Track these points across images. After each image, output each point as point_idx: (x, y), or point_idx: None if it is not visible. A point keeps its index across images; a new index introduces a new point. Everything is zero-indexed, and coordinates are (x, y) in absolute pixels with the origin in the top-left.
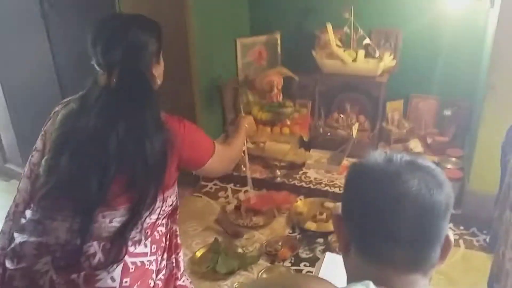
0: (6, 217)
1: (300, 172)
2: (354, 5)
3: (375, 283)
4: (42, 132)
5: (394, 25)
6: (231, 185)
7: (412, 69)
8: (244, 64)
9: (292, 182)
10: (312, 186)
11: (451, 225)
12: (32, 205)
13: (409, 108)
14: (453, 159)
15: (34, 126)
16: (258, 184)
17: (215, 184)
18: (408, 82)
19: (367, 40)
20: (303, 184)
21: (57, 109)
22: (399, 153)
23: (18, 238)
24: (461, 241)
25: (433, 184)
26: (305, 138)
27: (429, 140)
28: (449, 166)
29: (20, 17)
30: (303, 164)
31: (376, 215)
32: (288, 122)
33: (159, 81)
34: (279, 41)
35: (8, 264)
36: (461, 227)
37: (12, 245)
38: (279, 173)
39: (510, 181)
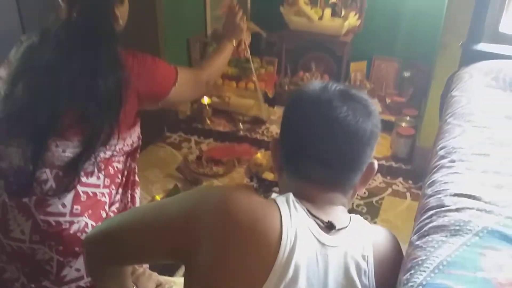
0: None
1: (263, 127)
2: None
3: (296, 196)
4: (6, 60)
5: None
6: (195, 137)
7: (376, 30)
8: (213, 18)
9: (254, 136)
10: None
11: (400, 179)
12: None
13: (372, 69)
14: (408, 118)
15: None
16: (221, 136)
17: (179, 136)
18: (372, 43)
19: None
20: (265, 138)
21: (22, 38)
22: (334, 83)
23: None
24: (408, 194)
25: (361, 112)
26: (270, 95)
27: (388, 101)
28: (403, 124)
29: None
30: (266, 120)
31: (305, 136)
32: (254, 78)
33: (121, 22)
34: None
35: None
36: (410, 181)
37: None
38: (242, 127)
39: (440, 124)
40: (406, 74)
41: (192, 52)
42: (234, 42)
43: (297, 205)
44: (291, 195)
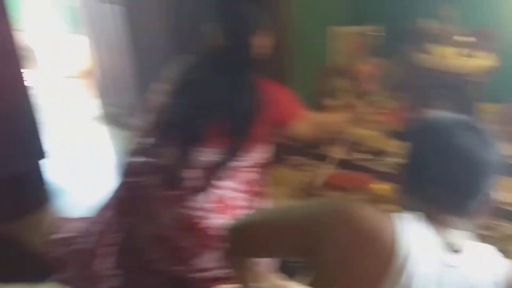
0: (132, 141)
1: (385, 159)
2: (455, 2)
3: (415, 215)
4: (165, 77)
5: (495, 24)
6: (315, 161)
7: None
8: (338, 52)
9: (375, 167)
10: (391, 172)
11: None
12: (150, 134)
13: (505, 112)
14: None
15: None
16: (341, 163)
17: (299, 159)
18: (507, 85)
19: (464, 38)
20: (385, 169)
21: (178, 60)
22: (459, 114)
23: (137, 158)
24: None
25: (482, 143)
26: (395, 128)
27: None
28: None
29: None
30: (385, 152)
31: (432, 163)
32: (380, 111)
33: (263, 51)
34: (375, 33)
35: (127, 177)
36: None
37: (128, 161)
38: (363, 156)
39: None
40: None
41: (317, 84)
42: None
43: (415, 221)
44: (415, 214)
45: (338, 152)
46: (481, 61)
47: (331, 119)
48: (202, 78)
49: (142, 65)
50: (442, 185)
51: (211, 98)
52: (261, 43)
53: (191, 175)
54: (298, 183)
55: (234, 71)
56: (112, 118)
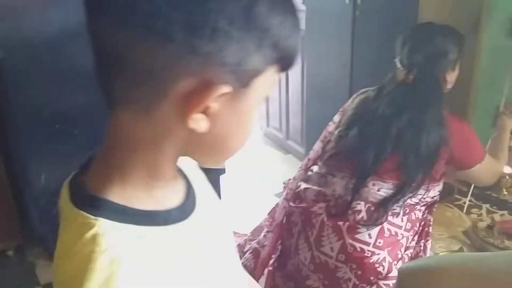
0: (300, 168)
1: None
2: None
3: None
4: (341, 110)
5: None
6: (487, 205)
7: None
8: None
9: None
10: None
11: None
12: (320, 162)
13: None
14: None
15: (319, 114)
16: None
17: (469, 201)
18: None
19: None
20: None
21: (357, 93)
22: None
23: (303, 185)
24: None
25: None
26: None
27: None
28: None
29: (332, 20)
30: None
31: None
32: None
33: (449, 86)
34: None
35: (291, 202)
36: None
37: (297, 189)
38: None
39: None
40: None
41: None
42: None
43: None
44: None
45: None
46: None
47: (504, 159)
48: (385, 111)
49: (317, 93)
50: None
51: (392, 132)
52: (449, 78)
53: (362, 207)
54: (465, 226)
55: (421, 106)
56: (277, 141)
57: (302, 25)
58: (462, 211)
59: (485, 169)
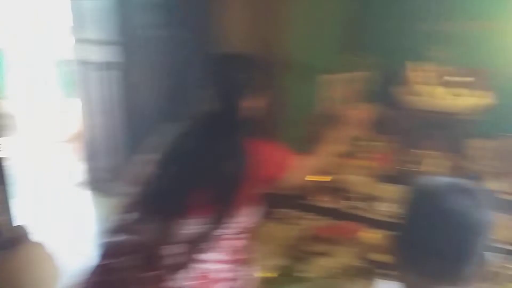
0: (113, 215)
1: (375, 205)
2: (441, 43)
3: None
4: (151, 147)
5: (485, 63)
6: (302, 213)
7: (503, 108)
8: (329, 99)
9: (364, 214)
10: (385, 219)
11: None
12: (132, 208)
13: (498, 149)
14: None
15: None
16: (329, 213)
17: (285, 211)
18: (498, 121)
19: (456, 77)
20: (376, 217)
21: (167, 127)
22: (452, 177)
23: (116, 236)
24: None
25: (476, 205)
26: (385, 172)
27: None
28: None
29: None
30: (377, 197)
31: (425, 229)
32: (369, 155)
33: (257, 112)
34: (365, 78)
35: (101, 259)
36: None
37: (107, 241)
38: (354, 204)
39: None
40: None
41: (307, 131)
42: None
43: None
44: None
45: (326, 202)
46: (473, 100)
47: (320, 160)
48: (192, 146)
49: (133, 129)
50: (437, 254)
51: (198, 166)
52: (254, 104)
53: (172, 251)
54: (286, 239)
55: (224, 136)
56: (97, 184)
57: None
58: (281, 224)
59: (300, 172)
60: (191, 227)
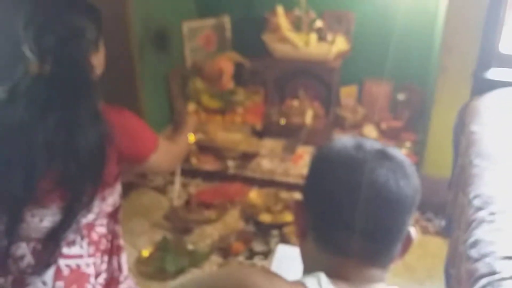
0: None
1: (253, 162)
2: None
3: (329, 275)
4: None
5: (347, 8)
6: (181, 178)
7: (365, 53)
8: (191, 50)
9: (245, 173)
10: (265, 177)
11: None
12: None
13: (363, 93)
14: (408, 143)
15: None
16: (210, 176)
17: (163, 178)
18: (361, 67)
19: (319, 24)
20: (257, 174)
21: None
22: (369, 140)
23: None
24: (416, 227)
25: (401, 176)
26: (258, 127)
27: (383, 126)
28: (403, 150)
29: None
30: (256, 154)
31: (337, 202)
32: (240, 110)
33: (98, 71)
34: (228, 25)
35: None
36: (416, 212)
37: None
38: (231, 164)
39: (463, 163)
40: (401, 97)
41: (171, 87)
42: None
43: (331, 287)
44: (322, 275)
45: (206, 164)
46: (339, 46)
47: (184, 141)
48: (24, 117)
49: None
50: (360, 231)
51: (39, 143)
52: (96, 61)
53: (25, 250)
54: (164, 209)
55: (68, 102)
56: None
57: None
58: (158, 191)
59: (163, 156)
60: (43, 218)
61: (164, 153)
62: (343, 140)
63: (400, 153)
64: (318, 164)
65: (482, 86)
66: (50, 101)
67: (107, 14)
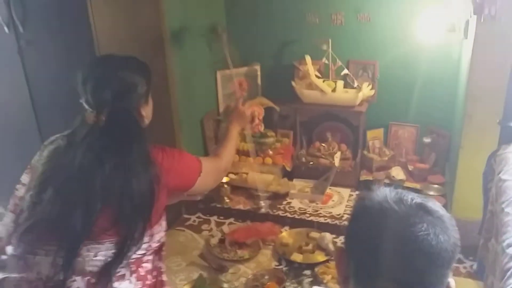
0: None
1: (284, 202)
2: (331, 37)
3: None
4: (29, 166)
5: (371, 56)
6: (215, 217)
7: (390, 98)
8: (224, 96)
9: (276, 213)
10: (296, 216)
11: None
12: (14, 241)
13: (389, 136)
14: (435, 186)
15: (12, 165)
16: (242, 215)
17: (198, 217)
18: (387, 111)
19: (345, 71)
20: (288, 214)
21: (45, 143)
22: (410, 193)
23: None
24: None
25: (440, 230)
26: (288, 168)
27: (410, 167)
28: (431, 193)
29: None
30: (286, 194)
31: (379, 254)
32: (271, 152)
33: (147, 121)
34: (259, 72)
35: None
36: None
37: None
38: (263, 204)
39: (493, 209)
40: (427, 140)
41: (206, 131)
42: (239, 128)
43: None
44: None
45: (239, 204)
46: (365, 91)
47: (227, 153)
48: (83, 163)
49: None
50: (400, 283)
51: (97, 186)
52: (144, 112)
53: (79, 283)
54: (200, 248)
55: (122, 149)
56: None
57: None
58: (193, 231)
59: (208, 175)
60: (98, 253)
61: (208, 174)
62: (385, 191)
63: (440, 207)
64: (360, 215)
65: (509, 134)
66: (105, 148)
67: (152, 70)
